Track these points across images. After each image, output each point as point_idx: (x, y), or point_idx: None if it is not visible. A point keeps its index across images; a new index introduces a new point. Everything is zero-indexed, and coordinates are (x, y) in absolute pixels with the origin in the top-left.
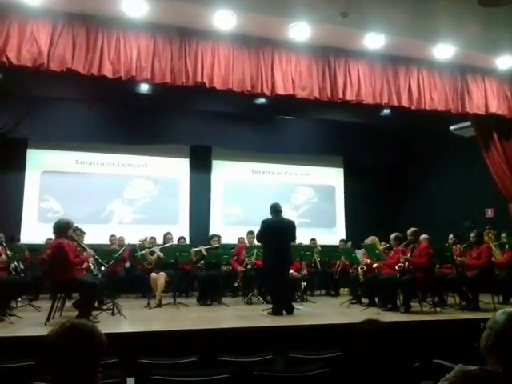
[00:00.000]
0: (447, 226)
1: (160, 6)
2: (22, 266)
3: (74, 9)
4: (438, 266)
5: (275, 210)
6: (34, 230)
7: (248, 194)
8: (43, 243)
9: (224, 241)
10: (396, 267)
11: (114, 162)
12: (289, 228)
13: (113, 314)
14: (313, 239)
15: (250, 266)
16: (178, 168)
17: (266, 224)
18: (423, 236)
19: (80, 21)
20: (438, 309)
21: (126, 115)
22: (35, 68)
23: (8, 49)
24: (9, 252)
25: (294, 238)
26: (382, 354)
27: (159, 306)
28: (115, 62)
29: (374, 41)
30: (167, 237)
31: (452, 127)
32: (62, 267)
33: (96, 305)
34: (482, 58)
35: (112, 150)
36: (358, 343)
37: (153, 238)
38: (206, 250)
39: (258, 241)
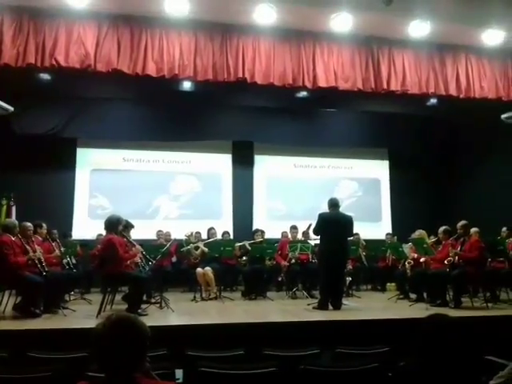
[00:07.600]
0: (499, 219)
1: (201, 4)
2: (74, 261)
3: (118, 10)
4: (489, 260)
5: (333, 204)
6: (85, 226)
7: (291, 188)
8: (94, 239)
9: (267, 235)
10: (445, 261)
11: (159, 159)
12: (346, 223)
13: (161, 307)
14: (355, 234)
15: (293, 260)
16: (220, 163)
17: (322, 217)
18: (474, 229)
19: (124, 22)
20: (490, 304)
21: (169, 113)
22: (83, 69)
23: (57, 52)
24: (62, 248)
25: (351, 233)
26: (452, 348)
27: (215, 298)
28: (159, 60)
29: (419, 28)
30: (211, 232)
31: (503, 115)
32: (113, 262)
33: (145, 298)
34: None
35: (157, 148)
36: (426, 337)
37: (198, 233)
38: (250, 244)
39: (316, 234)
